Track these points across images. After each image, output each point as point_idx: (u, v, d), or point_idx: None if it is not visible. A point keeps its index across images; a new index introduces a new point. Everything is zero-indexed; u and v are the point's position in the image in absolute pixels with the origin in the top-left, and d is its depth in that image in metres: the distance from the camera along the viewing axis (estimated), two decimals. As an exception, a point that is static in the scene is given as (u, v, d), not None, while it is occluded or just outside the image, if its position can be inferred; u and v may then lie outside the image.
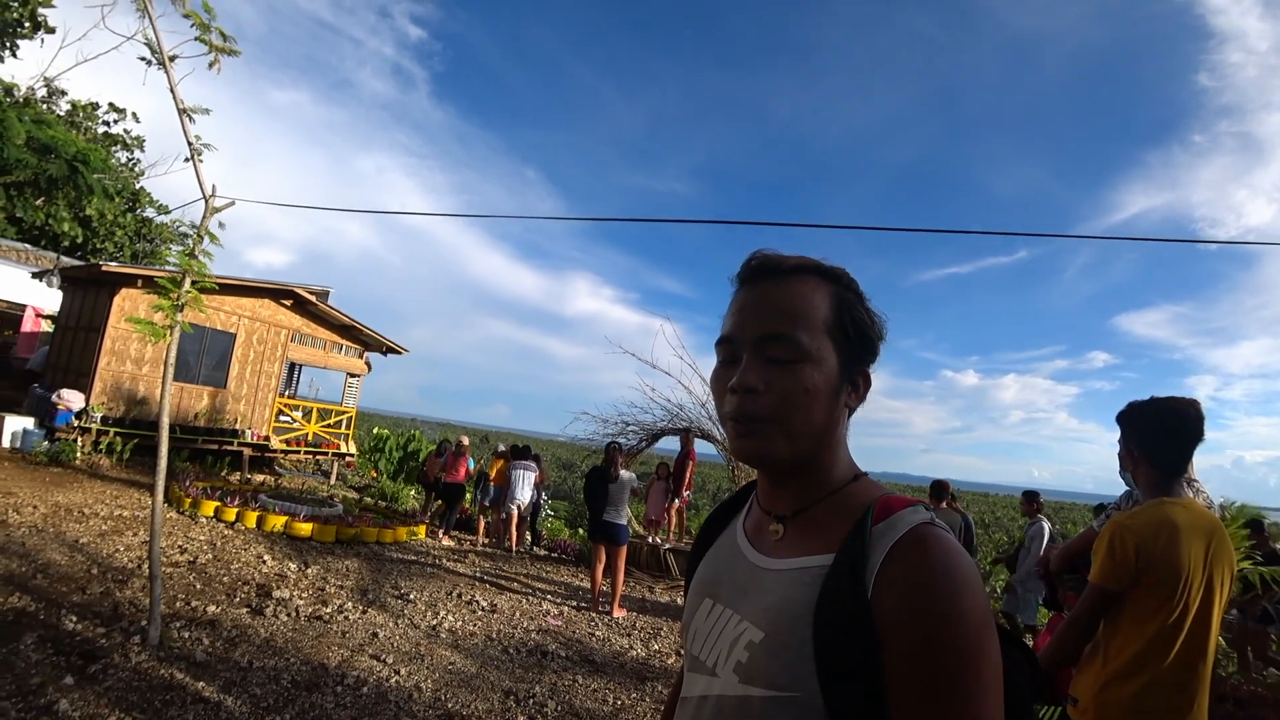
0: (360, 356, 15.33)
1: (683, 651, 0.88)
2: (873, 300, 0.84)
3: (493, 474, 10.37)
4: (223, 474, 11.38)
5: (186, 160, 4.67)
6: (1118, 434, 2.22)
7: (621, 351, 11.71)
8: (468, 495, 10.99)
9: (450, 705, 3.99)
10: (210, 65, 4.56)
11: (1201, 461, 2.11)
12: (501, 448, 10.88)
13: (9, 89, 11.63)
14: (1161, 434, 1.97)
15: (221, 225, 4.75)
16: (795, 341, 0.75)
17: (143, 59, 4.39)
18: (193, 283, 4.54)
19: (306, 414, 14.23)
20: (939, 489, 7.01)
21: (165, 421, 4.51)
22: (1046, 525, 6.81)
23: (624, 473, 6.85)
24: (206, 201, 4.68)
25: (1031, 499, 7.17)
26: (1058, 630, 2.03)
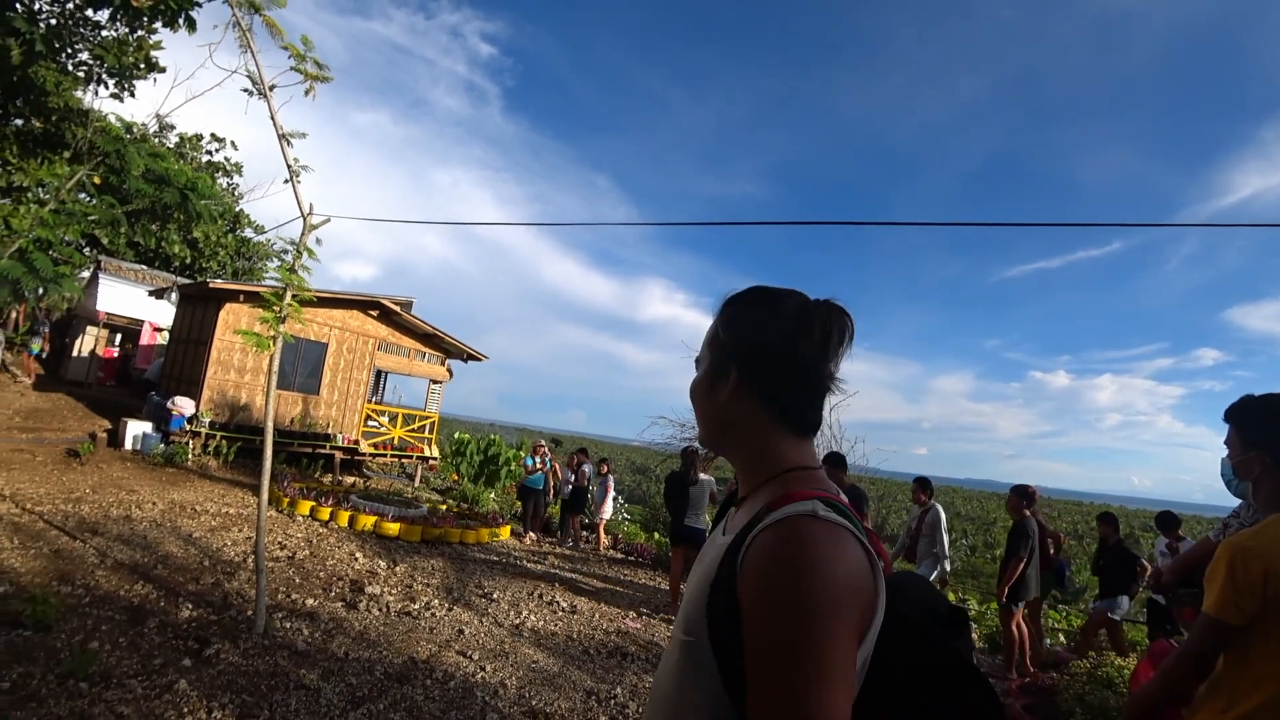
0: (442, 364, 15.89)
1: None
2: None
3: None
4: (316, 475, 12.01)
5: (286, 182, 4.98)
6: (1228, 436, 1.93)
7: (696, 356, 11.71)
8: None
9: (534, 702, 4.04)
10: (306, 93, 4.87)
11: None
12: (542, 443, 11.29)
13: (129, 126, 12.77)
14: None
15: (319, 241, 5.04)
16: (700, 357, 1.05)
17: (245, 90, 4.72)
18: (293, 296, 4.83)
19: (392, 419, 14.84)
20: (1024, 492, 6.31)
21: (270, 427, 4.79)
22: (940, 509, 6.92)
23: (703, 476, 6.79)
24: (305, 219, 4.97)
25: (924, 486, 7.22)
26: (1166, 663, 1.76)
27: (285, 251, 5.05)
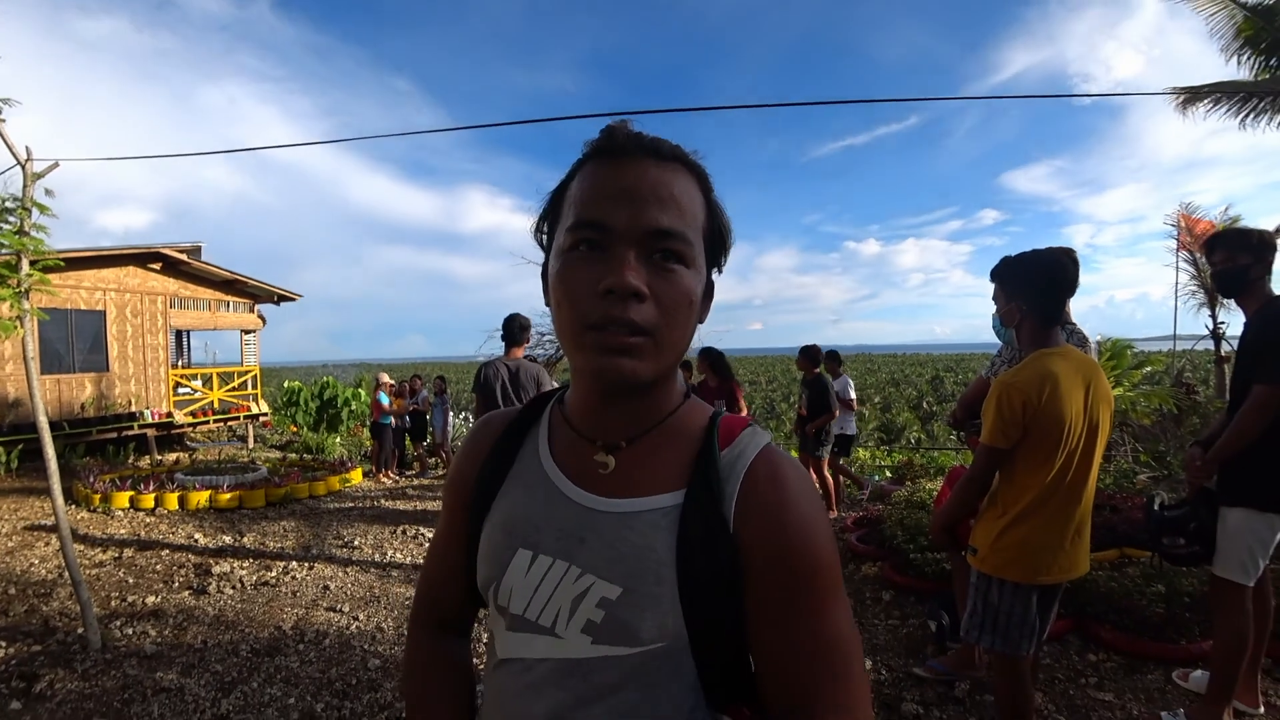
0: (251, 310, 14.43)
1: (489, 605, 0.75)
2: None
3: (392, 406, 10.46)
4: (129, 461, 10.82)
5: (-18, 122, 4.04)
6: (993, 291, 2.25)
7: (526, 262, 11.46)
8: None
9: (414, 637, 4.18)
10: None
11: (1079, 304, 2.21)
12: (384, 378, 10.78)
13: None
14: (1042, 285, 2.02)
15: (49, 192, 4.17)
16: (688, 243, 0.64)
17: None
18: (32, 263, 4.08)
19: (206, 381, 13.49)
20: (822, 355, 6.99)
21: (43, 420, 4.19)
22: None
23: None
24: (23, 167, 4.11)
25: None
26: (956, 487, 2.18)
27: (12, 212, 4.20)
